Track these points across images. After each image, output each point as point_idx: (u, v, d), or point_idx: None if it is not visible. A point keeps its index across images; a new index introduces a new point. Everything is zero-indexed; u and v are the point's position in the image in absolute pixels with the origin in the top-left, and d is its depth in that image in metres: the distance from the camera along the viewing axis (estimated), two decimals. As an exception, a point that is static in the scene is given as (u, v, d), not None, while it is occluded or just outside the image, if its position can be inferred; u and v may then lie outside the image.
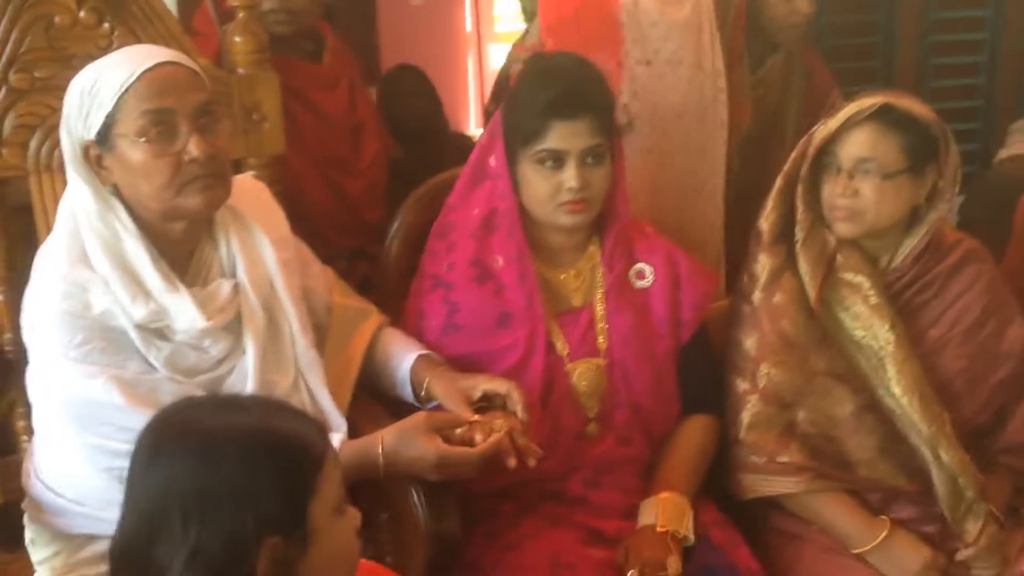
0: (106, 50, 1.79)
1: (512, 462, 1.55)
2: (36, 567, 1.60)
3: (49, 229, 1.78)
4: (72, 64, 1.78)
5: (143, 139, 1.45)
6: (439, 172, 2.16)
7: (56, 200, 1.78)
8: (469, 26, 6.41)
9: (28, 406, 1.78)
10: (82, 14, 1.78)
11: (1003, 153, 3.11)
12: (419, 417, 1.58)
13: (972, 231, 2.59)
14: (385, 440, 1.53)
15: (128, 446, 1.42)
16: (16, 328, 1.79)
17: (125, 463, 1.42)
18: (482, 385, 1.65)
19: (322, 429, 1.17)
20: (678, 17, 2.12)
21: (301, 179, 2.16)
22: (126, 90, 1.45)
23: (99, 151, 1.49)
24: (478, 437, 1.54)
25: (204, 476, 1.05)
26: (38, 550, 1.60)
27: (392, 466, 1.52)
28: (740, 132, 2.38)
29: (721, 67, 2.20)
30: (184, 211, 1.52)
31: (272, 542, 1.06)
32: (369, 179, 2.41)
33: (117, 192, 1.51)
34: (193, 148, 1.47)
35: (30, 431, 1.80)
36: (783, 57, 2.69)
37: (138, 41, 1.81)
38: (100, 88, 1.46)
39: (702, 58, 2.16)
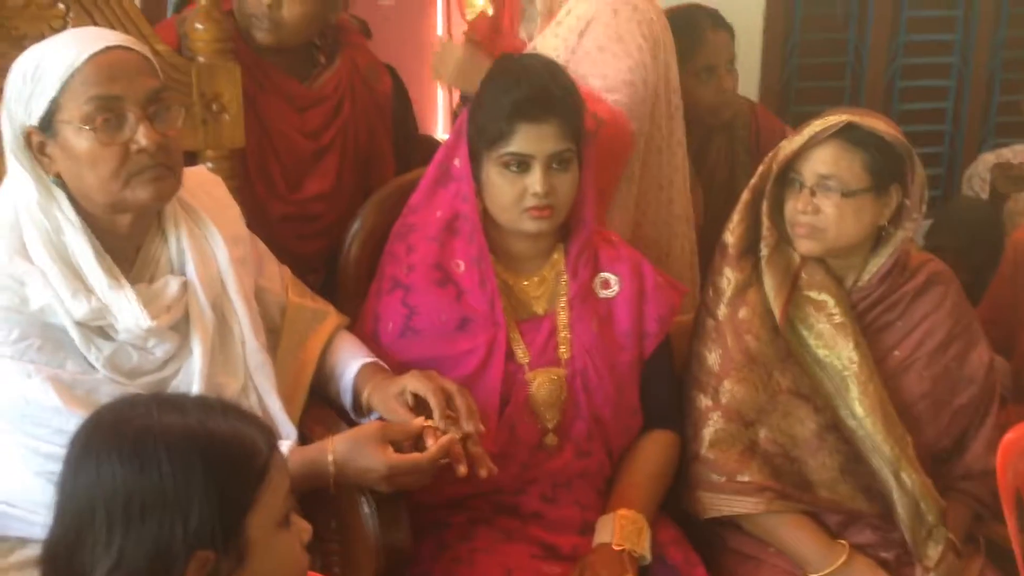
0: (60, 31, 1.74)
1: (463, 470, 1.52)
2: None
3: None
4: (23, 45, 1.69)
5: (89, 127, 1.40)
6: (406, 171, 2.11)
7: (6, 185, 1.74)
8: (440, 29, 6.42)
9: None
10: (35, -7, 1.73)
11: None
12: (372, 426, 1.54)
13: (938, 257, 2.63)
14: (336, 449, 1.49)
15: (62, 449, 1.37)
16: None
17: (59, 466, 1.38)
18: (409, 387, 1.59)
19: (270, 434, 1.12)
20: None
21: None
22: (72, 74, 1.39)
23: (42, 138, 1.44)
24: (429, 442, 1.51)
25: (132, 481, 1.01)
26: None
27: (342, 476, 1.48)
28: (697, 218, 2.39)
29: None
30: (131, 204, 1.46)
31: (202, 556, 1.01)
32: (300, 211, 2.19)
33: (60, 182, 1.46)
34: (142, 137, 1.41)
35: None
36: (724, 136, 2.69)
37: (94, 23, 1.77)
38: (44, 71, 1.41)
39: None
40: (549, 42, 2.12)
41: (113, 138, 1.40)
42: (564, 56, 2.02)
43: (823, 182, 1.74)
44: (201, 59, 1.86)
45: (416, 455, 1.49)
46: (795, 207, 1.77)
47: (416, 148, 2.98)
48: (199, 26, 1.86)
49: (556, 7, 2.19)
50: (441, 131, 5.91)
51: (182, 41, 1.95)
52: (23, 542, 1.47)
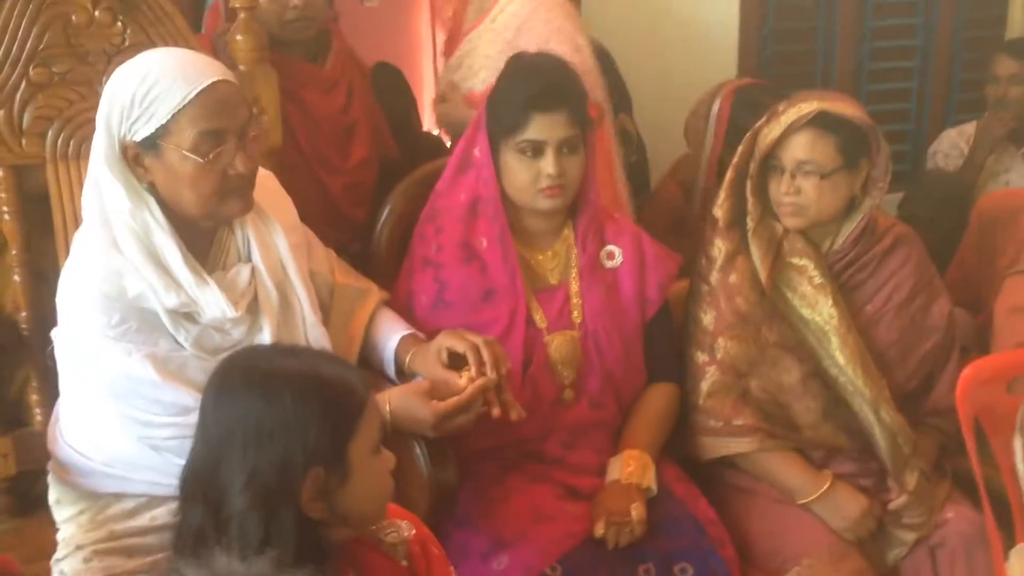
0: (119, 47, 1.93)
1: (497, 411, 1.71)
2: (60, 525, 1.68)
3: (64, 215, 1.91)
4: (88, 60, 1.92)
5: (194, 155, 1.54)
6: (411, 165, 2.32)
7: (71, 188, 1.92)
8: (426, 30, 6.53)
9: (42, 380, 1.91)
10: (97, 13, 1.90)
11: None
12: (422, 384, 1.73)
13: (910, 226, 2.85)
14: (391, 399, 1.68)
15: (159, 417, 1.57)
16: (32, 307, 1.92)
17: (156, 432, 1.57)
18: (445, 344, 1.76)
19: (365, 378, 1.31)
20: None
21: (289, 170, 2.27)
22: (183, 107, 1.52)
23: (138, 151, 1.56)
24: (463, 382, 1.70)
25: (262, 411, 1.22)
26: (64, 509, 1.69)
27: (397, 423, 1.68)
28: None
29: None
30: (223, 217, 1.64)
31: (316, 472, 1.22)
32: (352, 179, 2.49)
33: (152, 188, 1.59)
34: (239, 164, 1.57)
35: (43, 404, 1.92)
36: None
37: (149, 39, 1.94)
38: (155, 99, 1.52)
39: None
40: (485, 36, 2.44)
41: (215, 165, 1.56)
42: (503, 50, 2.29)
43: (802, 166, 1.93)
44: (242, 67, 2.03)
45: (455, 397, 1.69)
46: (778, 189, 1.96)
47: (421, 142, 3.20)
48: (239, 37, 2.04)
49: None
50: (429, 126, 6.06)
51: (217, 55, 2.14)
52: (118, 497, 1.65)
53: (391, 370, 1.88)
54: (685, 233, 2.76)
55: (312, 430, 1.21)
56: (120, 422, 1.60)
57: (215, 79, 1.56)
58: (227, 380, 1.28)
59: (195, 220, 1.62)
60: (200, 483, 1.25)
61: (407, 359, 1.84)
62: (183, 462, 1.34)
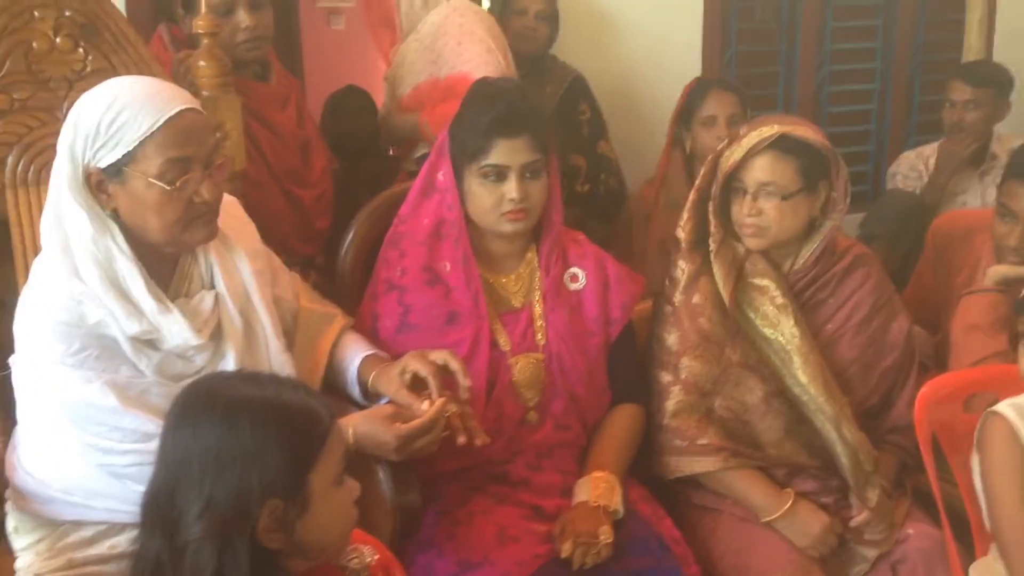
0: (81, 73, 1.93)
1: (462, 439, 1.72)
2: (19, 553, 1.66)
3: (24, 241, 1.90)
4: (49, 86, 1.92)
5: (160, 182, 1.53)
6: (377, 188, 2.36)
7: (31, 214, 1.90)
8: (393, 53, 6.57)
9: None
10: (59, 40, 1.90)
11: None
12: (385, 408, 1.74)
13: (870, 245, 2.91)
14: (355, 425, 1.68)
15: (120, 444, 1.56)
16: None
17: (116, 459, 1.56)
18: (409, 367, 1.76)
19: (329, 407, 1.30)
20: None
21: (261, 190, 2.31)
22: (151, 135, 1.52)
23: (102, 178, 1.56)
24: (425, 406, 1.71)
25: (219, 440, 1.21)
26: (21, 537, 1.66)
27: (361, 447, 1.68)
28: None
29: None
30: (187, 244, 1.63)
31: (273, 503, 1.21)
32: (319, 190, 2.57)
33: (115, 215, 1.58)
34: (205, 192, 1.58)
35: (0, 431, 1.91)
36: None
37: (111, 66, 1.94)
38: (122, 125, 1.52)
39: None
40: (411, 46, 2.73)
41: (181, 193, 1.56)
42: (429, 59, 2.60)
43: (763, 188, 1.97)
44: (205, 93, 2.04)
45: (417, 420, 1.69)
46: (740, 211, 2.00)
47: (387, 164, 3.24)
48: (203, 63, 2.05)
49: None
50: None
51: (178, 82, 2.15)
52: (77, 524, 1.63)
53: (356, 391, 1.88)
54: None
55: (270, 460, 1.21)
56: (80, 449, 1.58)
57: (182, 107, 1.56)
58: (187, 407, 1.27)
59: (159, 247, 1.62)
60: (157, 511, 1.24)
61: (370, 379, 1.84)
62: (143, 489, 1.32)
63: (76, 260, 1.58)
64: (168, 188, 1.54)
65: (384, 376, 1.82)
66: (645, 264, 2.90)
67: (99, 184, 1.57)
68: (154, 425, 1.51)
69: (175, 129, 1.54)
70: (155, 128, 1.53)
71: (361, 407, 1.87)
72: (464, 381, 1.75)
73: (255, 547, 1.21)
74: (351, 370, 1.88)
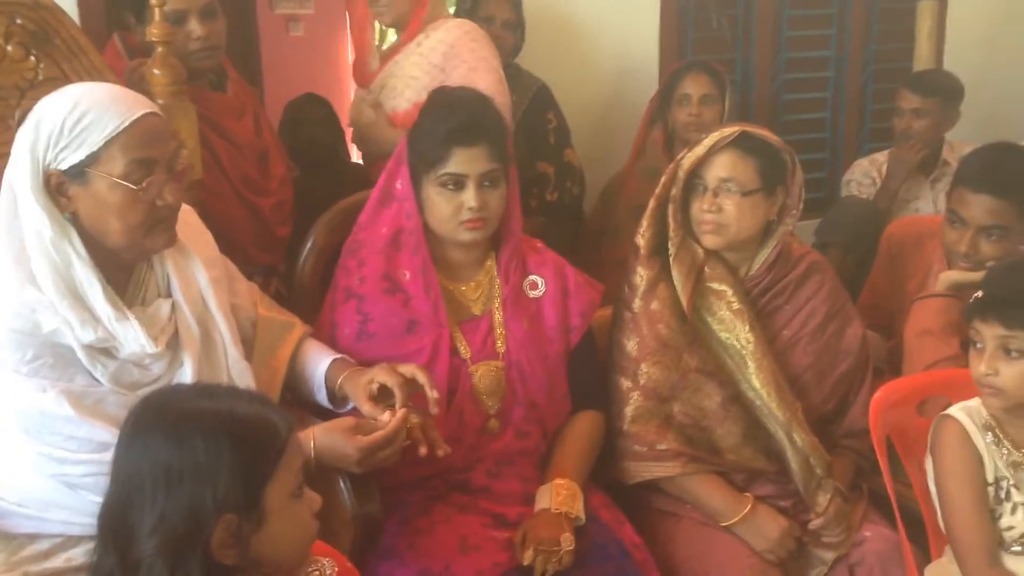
0: (32, 82, 1.92)
1: (424, 450, 1.73)
2: None
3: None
4: (0, 95, 1.89)
5: (126, 182, 1.53)
6: (337, 197, 2.35)
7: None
8: (350, 57, 6.55)
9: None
10: (9, 48, 1.89)
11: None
12: (347, 420, 1.73)
13: (826, 251, 2.95)
14: (316, 437, 1.67)
15: (74, 454, 1.53)
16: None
17: (71, 469, 1.54)
18: (378, 378, 1.77)
19: (287, 419, 1.28)
20: None
21: (220, 199, 2.30)
22: (116, 135, 1.52)
23: (62, 180, 1.55)
24: (385, 417, 1.71)
25: (173, 454, 1.19)
26: None
27: (321, 460, 1.67)
28: None
29: None
30: (148, 249, 1.62)
31: (227, 518, 1.19)
32: (278, 198, 2.56)
33: (74, 219, 1.57)
34: (168, 195, 1.58)
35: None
36: None
37: (63, 74, 1.93)
38: (87, 126, 1.52)
39: None
40: (411, 59, 2.59)
41: (146, 195, 1.55)
42: (437, 78, 2.48)
43: (724, 184, 2.00)
44: (160, 101, 2.02)
45: (379, 432, 1.69)
46: (700, 207, 2.02)
47: (349, 172, 3.24)
48: (157, 71, 2.04)
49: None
50: (355, 155, 6.07)
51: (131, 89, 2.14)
52: (32, 537, 1.59)
53: (322, 395, 1.88)
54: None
55: (223, 475, 1.19)
56: (33, 460, 1.56)
57: (146, 111, 1.57)
58: (140, 421, 1.26)
59: (118, 252, 1.61)
60: (111, 525, 1.23)
61: (339, 382, 1.84)
62: (100, 500, 1.30)
63: (32, 266, 1.56)
64: (134, 188, 1.54)
65: (352, 381, 1.82)
66: (618, 238, 2.94)
67: (59, 186, 1.55)
68: (109, 435, 1.49)
69: (140, 131, 1.55)
70: (120, 129, 1.53)
71: (324, 412, 1.87)
72: (432, 394, 1.75)
73: (209, 563, 1.19)
74: (317, 374, 1.88)
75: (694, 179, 2.03)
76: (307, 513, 1.30)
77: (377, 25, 2.95)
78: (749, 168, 2.00)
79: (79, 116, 1.53)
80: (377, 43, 3.03)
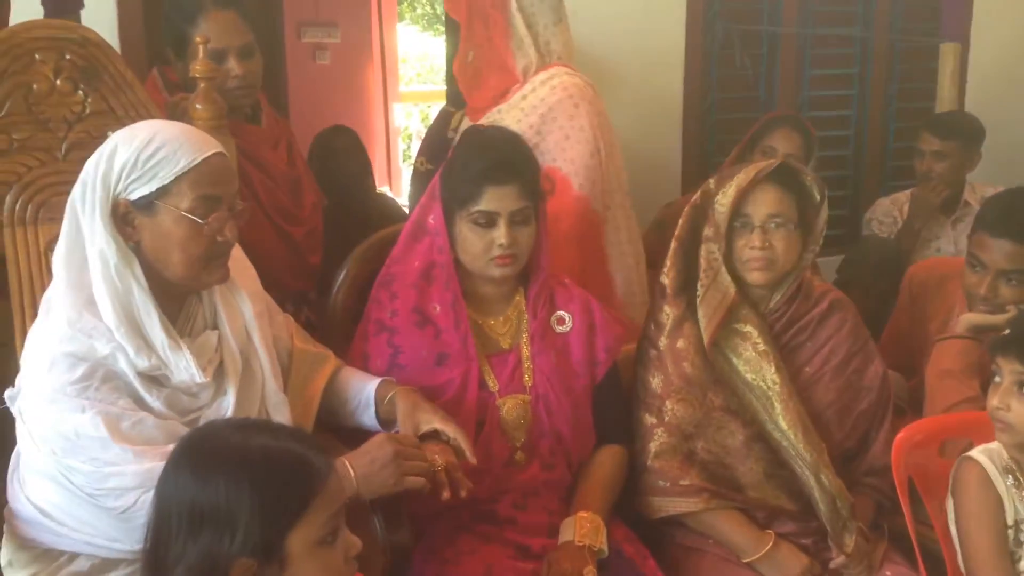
0: (80, 115, 1.98)
1: (446, 494, 1.75)
2: None
3: (20, 279, 1.92)
4: (48, 127, 1.96)
5: (192, 216, 1.60)
6: (365, 228, 2.40)
7: (27, 252, 1.94)
8: (379, 84, 6.64)
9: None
10: (59, 82, 1.95)
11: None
12: (379, 436, 1.76)
13: (848, 289, 2.98)
14: (352, 464, 1.68)
15: (100, 471, 1.55)
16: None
17: (96, 489, 1.55)
18: (436, 424, 1.82)
19: (326, 463, 1.28)
20: None
21: (255, 228, 2.34)
22: (187, 171, 1.60)
23: (130, 210, 1.61)
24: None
25: (196, 493, 1.21)
26: (16, 571, 1.67)
27: (363, 485, 1.67)
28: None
29: None
30: (204, 282, 1.68)
31: (245, 563, 1.19)
32: (310, 226, 2.62)
33: (136, 248, 1.63)
34: (228, 232, 1.65)
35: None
36: None
37: (110, 108, 1.99)
38: (160, 160, 1.59)
39: None
40: (513, 113, 2.46)
41: (210, 229, 1.62)
42: (529, 137, 2.33)
43: (772, 219, 2.02)
44: (202, 135, 2.10)
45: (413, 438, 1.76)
46: (747, 245, 2.03)
47: (374, 202, 3.29)
48: (199, 106, 2.09)
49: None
50: (378, 184, 6.13)
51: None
52: (71, 559, 1.63)
53: (370, 413, 1.91)
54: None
55: (243, 519, 1.18)
56: (57, 472, 1.58)
57: (216, 151, 1.65)
58: (179, 455, 1.28)
59: (176, 283, 1.66)
60: (147, 557, 1.26)
61: (390, 395, 1.88)
62: (126, 522, 1.36)
63: (94, 292, 1.61)
64: (200, 222, 1.61)
65: (403, 398, 1.86)
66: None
67: (125, 216, 1.62)
68: (139, 458, 1.53)
69: (208, 169, 1.62)
70: (191, 166, 1.61)
71: (355, 439, 1.87)
72: (472, 460, 1.79)
73: None
74: (365, 392, 1.92)
75: (736, 218, 2.04)
76: (339, 559, 1.27)
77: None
78: (791, 202, 2.04)
79: (153, 151, 1.60)
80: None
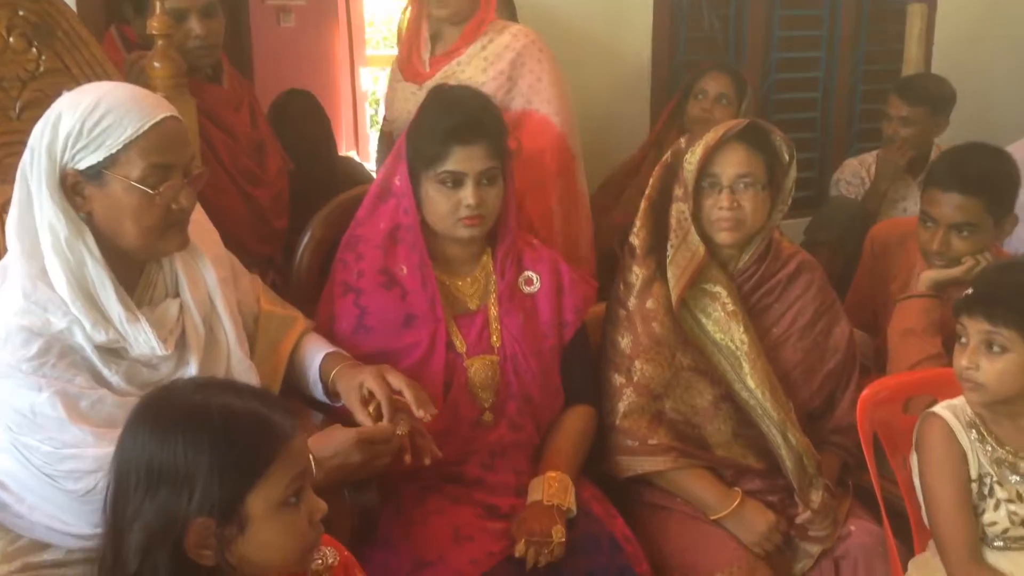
0: (34, 73, 1.92)
1: (408, 459, 1.73)
2: None
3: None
4: (1, 85, 1.90)
5: (143, 186, 1.53)
6: (328, 192, 2.36)
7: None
8: (344, 48, 6.55)
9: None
10: (11, 39, 1.89)
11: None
12: (349, 438, 1.70)
13: (815, 250, 2.99)
14: (320, 462, 1.60)
15: (58, 451, 1.51)
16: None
17: (54, 468, 1.51)
18: (367, 384, 1.75)
19: (291, 423, 1.25)
20: None
21: (219, 192, 2.31)
22: (136, 138, 1.52)
23: (79, 180, 1.54)
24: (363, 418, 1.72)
25: (155, 452, 1.19)
26: None
27: (320, 461, 1.61)
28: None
29: None
30: (161, 251, 1.62)
31: (201, 522, 1.18)
32: (275, 189, 2.58)
33: (88, 219, 1.56)
34: (183, 199, 1.58)
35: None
36: None
37: (65, 66, 1.93)
38: (107, 128, 1.52)
39: None
40: (474, 63, 2.50)
41: (162, 199, 1.55)
42: (503, 85, 2.43)
43: (741, 179, 2.01)
44: (160, 94, 2.02)
45: (380, 425, 1.71)
46: (715, 205, 2.02)
47: (337, 166, 3.26)
48: (157, 64, 2.05)
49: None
50: (345, 148, 6.07)
51: (131, 82, 2.15)
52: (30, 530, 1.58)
53: (318, 390, 1.89)
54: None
55: (200, 478, 1.17)
56: (23, 454, 1.54)
57: (166, 115, 1.57)
58: (138, 415, 1.25)
59: (131, 253, 1.60)
60: (108, 516, 1.24)
61: (331, 376, 1.84)
62: (84, 502, 1.33)
63: (46, 263, 1.55)
64: (150, 192, 1.54)
65: (344, 379, 1.82)
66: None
67: (75, 186, 1.55)
68: (97, 438, 1.49)
69: (159, 135, 1.55)
70: (140, 133, 1.53)
71: (322, 404, 1.89)
72: (417, 413, 1.73)
73: (185, 561, 1.19)
74: (313, 367, 1.88)
75: (704, 178, 2.03)
76: (303, 521, 1.25)
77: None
78: (760, 162, 2.03)
79: (99, 118, 1.52)
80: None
